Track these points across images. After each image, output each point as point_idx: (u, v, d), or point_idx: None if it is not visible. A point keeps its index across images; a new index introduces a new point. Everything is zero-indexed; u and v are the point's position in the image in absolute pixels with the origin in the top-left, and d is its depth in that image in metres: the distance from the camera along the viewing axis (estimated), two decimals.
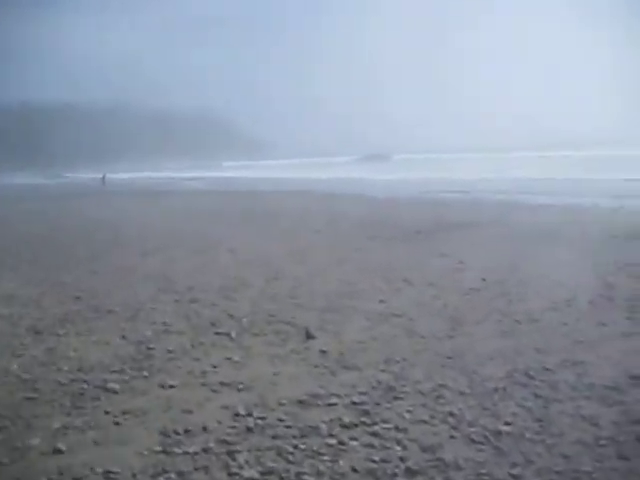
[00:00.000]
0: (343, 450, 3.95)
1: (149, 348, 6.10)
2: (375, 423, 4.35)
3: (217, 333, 6.58)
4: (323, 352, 5.92)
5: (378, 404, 4.69)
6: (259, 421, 4.44)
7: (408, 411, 4.55)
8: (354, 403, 4.71)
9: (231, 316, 7.21)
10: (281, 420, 4.45)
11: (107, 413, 4.62)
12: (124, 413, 4.60)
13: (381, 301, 7.86)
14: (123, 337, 6.49)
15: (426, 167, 55.25)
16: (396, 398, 4.80)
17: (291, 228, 16.15)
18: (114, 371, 5.49)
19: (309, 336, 6.38)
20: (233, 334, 6.51)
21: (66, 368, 5.58)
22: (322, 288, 8.62)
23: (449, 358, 5.65)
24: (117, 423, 4.46)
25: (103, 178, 60.85)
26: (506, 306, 7.45)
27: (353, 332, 6.56)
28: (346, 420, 4.42)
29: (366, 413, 4.54)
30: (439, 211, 19.94)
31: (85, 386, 5.13)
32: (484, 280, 8.85)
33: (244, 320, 7.03)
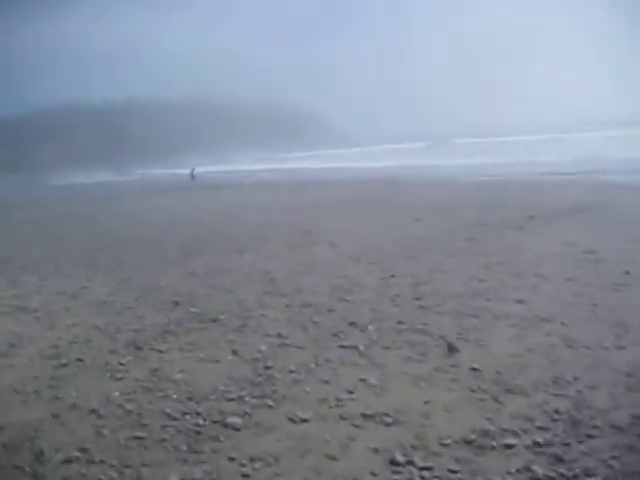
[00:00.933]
0: None
1: (267, 367, 5.27)
2: (576, 476, 3.36)
3: (342, 346, 5.68)
4: (474, 370, 4.93)
5: (568, 445, 3.71)
6: (425, 473, 3.44)
7: (613, 457, 3.51)
8: (537, 444, 3.77)
9: (353, 324, 6.28)
10: (453, 471, 3.47)
11: (231, 460, 3.78)
12: (252, 460, 3.75)
13: (519, 301, 6.79)
14: (234, 353, 5.67)
15: (491, 150, 52.02)
16: (588, 436, 3.77)
17: (390, 218, 15.03)
18: (231, 399, 4.66)
19: (451, 349, 5.39)
20: (361, 347, 5.61)
21: (175, 396, 4.77)
22: (446, 287, 7.59)
23: (630, 376, 4.59)
24: (246, 475, 3.54)
25: (192, 173, 57.71)
26: None
27: (501, 342, 5.55)
28: (538, 471, 3.39)
29: (559, 460, 3.51)
30: (539, 194, 18.38)
31: (200, 421, 4.30)
32: (628, 274, 7.53)
33: (370, 329, 6.08)
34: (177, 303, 7.67)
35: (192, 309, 7.32)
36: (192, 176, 56.48)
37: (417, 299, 7.12)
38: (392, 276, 8.40)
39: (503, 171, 29.69)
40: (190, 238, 13.86)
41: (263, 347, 5.74)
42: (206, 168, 75.72)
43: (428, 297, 7.17)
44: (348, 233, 12.78)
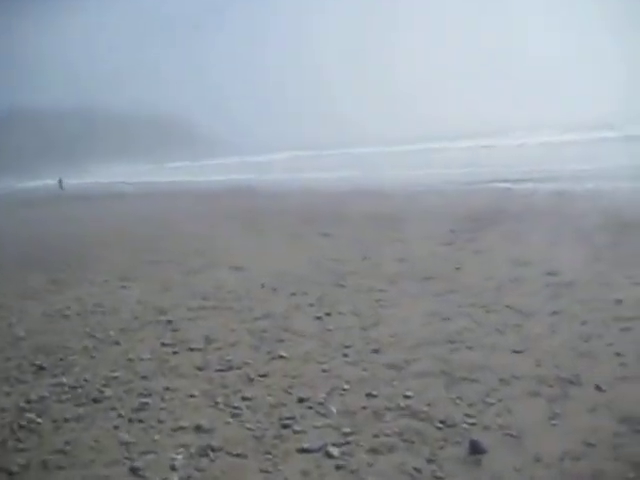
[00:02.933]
0: None
1: None
2: None
3: (301, 451, 3.59)
4: None
5: None
6: None
7: None
8: None
9: (305, 402, 4.32)
10: None
11: None
12: None
13: (516, 351, 5.12)
14: (133, 473, 3.45)
15: (381, 160, 51.62)
16: None
17: (292, 232, 13.10)
18: None
19: (475, 449, 3.52)
20: (334, 452, 3.56)
21: None
22: (404, 329, 5.90)
23: None
24: None
25: (60, 183, 57.92)
26: None
27: (538, 428, 3.74)
28: None
29: None
30: (440, 205, 17.24)
31: None
32: (620, 303, 6.27)
33: (333, 410, 4.13)
34: (41, 368, 5.33)
35: (63, 379, 5.00)
36: (61, 186, 56.15)
37: (376, 352, 5.24)
38: (328, 314, 6.49)
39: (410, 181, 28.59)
40: (59, 260, 11.21)
41: (177, 457, 3.59)
42: (81, 179, 70.34)
43: (389, 348, 5.31)
44: (250, 252, 10.75)
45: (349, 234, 12.35)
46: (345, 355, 5.19)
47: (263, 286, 8.01)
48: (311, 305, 6.91)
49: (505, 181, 22.41)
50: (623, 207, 12.76)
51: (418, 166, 36.96)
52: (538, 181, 21.52)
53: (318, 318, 6.37)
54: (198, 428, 3.94)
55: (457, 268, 8.44)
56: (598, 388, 4.17)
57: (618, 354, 4.78)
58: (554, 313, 6.02)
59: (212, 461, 3.53)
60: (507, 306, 6.38)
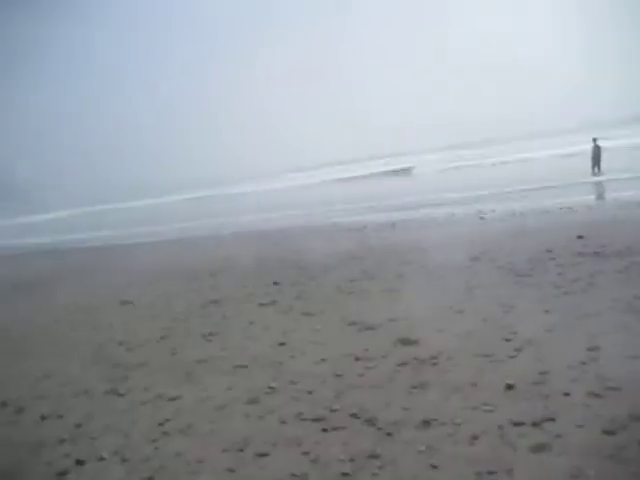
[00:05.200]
0: None
1: None
2: None
3: None
4: None
5: None
6: None
7: None
8: None
9: None
10: None
11: None
12: None
13: None
14: None
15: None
16: None
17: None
18: None
19: None
20: None
21: None
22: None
23: None
24: None
25: None
26: None
27: None
28: None
29: None
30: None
31: None
32: (615, 389, 4.23)
33: None
34: None
35: None
36: None
37: None
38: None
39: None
40: None
41: None
42: None
43: None
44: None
45: (154, 301, 9.77)
46: None
47: None
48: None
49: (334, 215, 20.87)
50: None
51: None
52: (367, 212, 20.26)
53: None
54: None
55: (281, 344, 6.23)
56: None
57: None
58: (423, 425, 3.94)
59: None
60: (353, 415, 4.23)
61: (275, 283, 9.56)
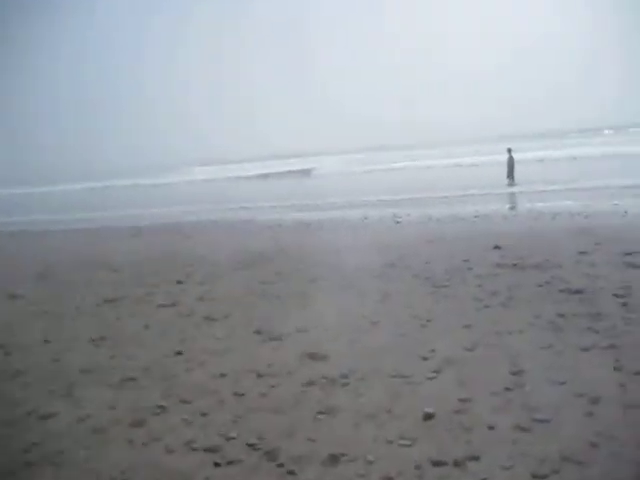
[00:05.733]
0: None
1: None
2: None
3: None
4: None
5: None
6: None
7: None
8: None
9: None
10: None
11: None
12: None
13: None
14: None
15: None
16: None
17: None
18: None
19: None
20: None
21: None
22: None
23: None
24: None
25: None
26: None
27: None
28: None
29: None
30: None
31: None
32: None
33: None
34: None
35: None
36: None
37: None
38: None
39: None
40: None
41: None
42: None
43: None
44: None
45: (45, 297, 8.80)
46: None
47: None
48: None
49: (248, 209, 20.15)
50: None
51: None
52: (284, 211, 19.67)
53: None
54: None
55: (178, 353, 5.55)
56: None
57: None
58: None
59: None
60: (251, 446, 3.63)
61: (179, 282, 8.84)
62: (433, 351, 4.94)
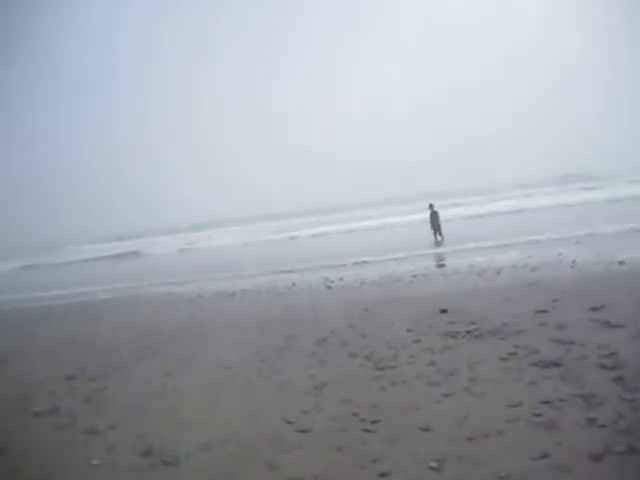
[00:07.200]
0: None
1: None
2: None
3: None
4: None
5: None
6: None
7: None
8: None
9: None
10: None
11: None
12: None
13: None
14: None
15: None
16: None
17: None
18: None
19: None
20: None
21: None
22: None
23: None
24: None
25: None
26: None
27: None
28: None
29: None
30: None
31: None
32: None
33: None
34: None
35: None
36: None
37: None
38: None
39: None
40: None
41: None
42: None
43: None
44: None
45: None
46: None
47: None
48: None
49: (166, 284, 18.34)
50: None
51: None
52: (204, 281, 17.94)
53: None
54: None
55: None
56: None
57: None
58: None
59: None
60: None
61: (69, 377, 7.14)
62: (385, 476, 3.47)
